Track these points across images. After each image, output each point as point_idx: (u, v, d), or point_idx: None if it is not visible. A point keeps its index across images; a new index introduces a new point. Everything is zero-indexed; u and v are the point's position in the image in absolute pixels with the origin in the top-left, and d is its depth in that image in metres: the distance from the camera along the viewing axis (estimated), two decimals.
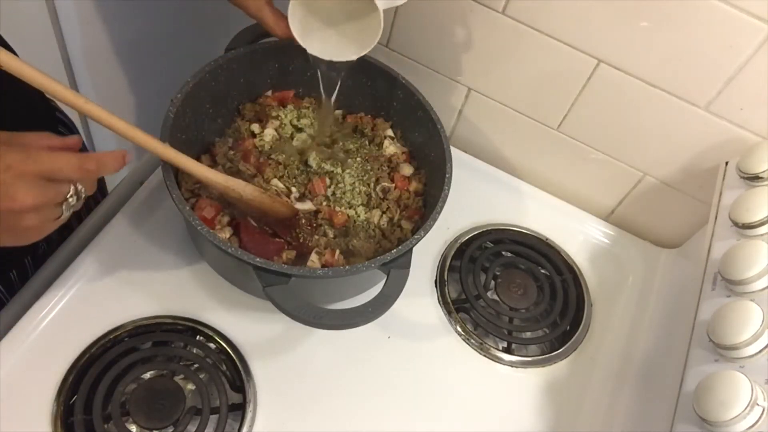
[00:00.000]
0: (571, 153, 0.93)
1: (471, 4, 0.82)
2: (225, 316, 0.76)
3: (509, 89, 0.91)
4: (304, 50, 0.71)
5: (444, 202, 0.72)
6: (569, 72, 0.83)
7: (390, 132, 0.85)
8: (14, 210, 0.50)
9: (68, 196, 0.54)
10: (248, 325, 0.76)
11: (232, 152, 0.79)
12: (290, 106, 0.84)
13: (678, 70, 0.76)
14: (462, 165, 0.78)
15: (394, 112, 0.85)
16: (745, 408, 0.54)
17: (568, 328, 0.87)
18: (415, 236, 0.69)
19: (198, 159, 0.76)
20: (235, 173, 0.76)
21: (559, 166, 0.97)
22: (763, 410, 0.55)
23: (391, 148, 0.84)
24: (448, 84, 0.94)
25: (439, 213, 0.71)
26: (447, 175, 0.74)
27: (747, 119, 0.77)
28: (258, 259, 0.64)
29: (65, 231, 0.81)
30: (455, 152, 0.78)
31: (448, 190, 0.73)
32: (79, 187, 0.56)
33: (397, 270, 0.68)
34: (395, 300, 0.66)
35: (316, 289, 0.76)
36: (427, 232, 0.69)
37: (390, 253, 0.67)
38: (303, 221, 0.74)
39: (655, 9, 0.72)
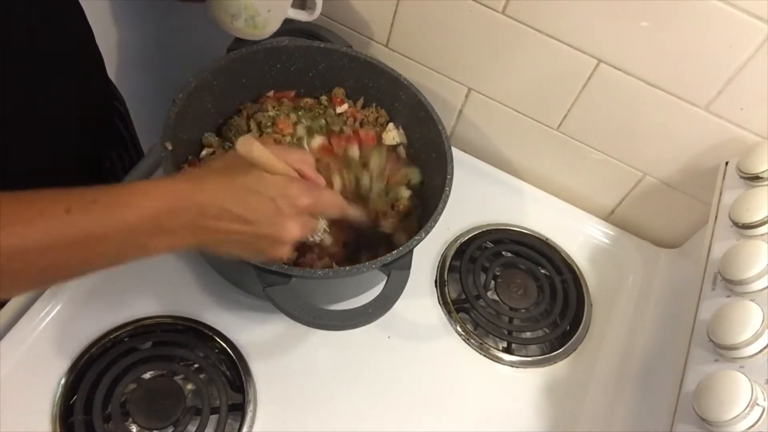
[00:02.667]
0: (571, 153, 0.93)
1: (471, 4, 0.82)
2: (225, 316, 0.76)
3: (509, 89, 0.91)
4: (306, 52, 0.72)
5: (445, 203, 0.72)
6: (569, 72, 0.83)
7: (391, 125, 0.86)
8: (278, 240, 0.53)
9: (319, 231, 0.60)
10: (248, 326, 0.76)
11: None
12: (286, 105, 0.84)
13: (678, 70, 0.76)
14: (462, 165, 0.78)
15: (395, 113, 0.85)
16: (745, 408, 0.54)
17: (568, 328, 0.87)
18: (416, 237, 0.69)
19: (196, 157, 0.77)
20: None
21: (559, 166, 0.97)
22: (763, 410, 0.55)
23: (392, 132, 0.84)
24: (448, 84, 0.94)
25: (440, 214, 0.71)
26: (448, 176, 0.74)
27: (747, 119, 0.77)
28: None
29: None
30: (455, 152, 0.78)
31: (449, 191, 0.73)
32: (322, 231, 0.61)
33: (398, 271, 0.68)
34: (396, 301, 0.66)
35: (316, 290, 0.75)
36: (428, 233, 0.69)
37: (391, 254, 0.67)
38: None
39: (655, 9, 0.72)
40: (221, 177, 0.52)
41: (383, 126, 0.85)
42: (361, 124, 0.85)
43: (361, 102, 0.86)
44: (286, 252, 0.56)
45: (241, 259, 0.57)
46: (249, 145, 0.52)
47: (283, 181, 0.54)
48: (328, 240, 0.63)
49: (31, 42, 0.62)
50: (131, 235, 0.48)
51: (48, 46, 0.65)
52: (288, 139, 0.80)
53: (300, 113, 0.82)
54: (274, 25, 0.80)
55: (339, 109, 0.84)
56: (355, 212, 0.68)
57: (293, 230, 0.54)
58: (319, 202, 0.56)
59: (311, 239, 0.61)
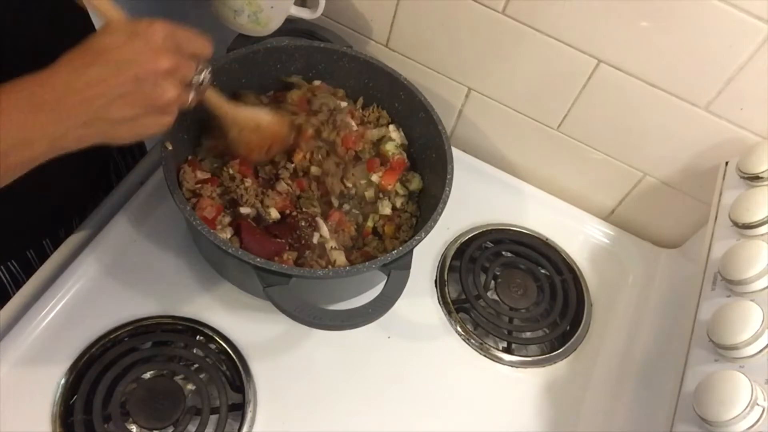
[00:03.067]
0: (571, 153, 0.93)
1: (471, 4, 0.82)
2: (225, 316, 0.76)
3: (509, 89, 0.91)
4: (306, 52, 0.72)
5: (445, 203, 0.72)
6: (569, 72, 0.83)
7: (393, 127, 0.85)
8: (159, 71, 0.50)
9: (197, 71, 0.55)
10: (248, 326, 0.76)
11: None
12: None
13: (678, 70, 0.76)
14: (462, 165, 0.78)
15: (395, 113, 0.86)
16: (745, 408, 0.54)
17: (568, 328, 0.87)
18: (416, 237, 0.69)
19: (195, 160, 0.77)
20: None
21: (559, 166, 0.97)
22: (763, 410, 0.55)
23: (394, 134, 0.84)
24: (448, 84, 0.94)
25: (440, 214, 0.71)
26: (448, 176, 0.74)
27: (747, 119, 0.77)
28: (258, 260, 0.64)
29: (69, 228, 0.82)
30: (455, 152, 0.78)
31: (449, 191, 0.73)
32: (202, 68, 0.56)
33: (398, 271, 0.68)
34: (396, 301, 0.66)
35: (316, 290, 0.76)
36: (428, 233, 0.69)
37: (391, 254, 0.67)
38: (303, 223, 0.74)
39: (655, 9, 0.72)
40: (74, 96, 0.49)
41: (384, 127, 0.85)
42: (362, 123, 0.85)
43: (360, 102, 0.86)
44: (171, 88, 0.51)
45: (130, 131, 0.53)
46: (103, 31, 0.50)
47: (127, 43, 0.50)
48: (208, 79, 0.58)
49: (36, 41, 0.62)
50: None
51: (53, 45, 0.65)
52: None
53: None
54: (277, 22, 0.80)
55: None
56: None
57: (163, 60, 0.50)
58: (176, 35, 0.53)
59: (197, 81, 0.56)
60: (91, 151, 0.52)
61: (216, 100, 0.66)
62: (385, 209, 0.80)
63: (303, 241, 0.73)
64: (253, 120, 0.71)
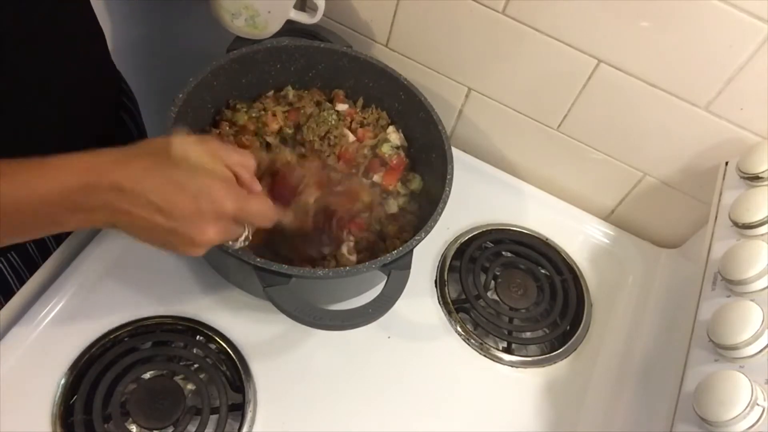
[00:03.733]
0: (571, 153, 0.93)
1: (471, 4, 0.82)
2: (225, 316, 0.76)
3: (509, 89, 0.91)
4: (306, 52, 0.72)
5: (445, 203, 0.72)
6: (569, 72, 0.83)
7: (392, 128, 0.85)
8: (192, 241, 0.51)
9: (241, 239, 0.57)
10: (248, 325, 0.76)
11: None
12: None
13: (678, 70, 0.76)
14: (462, 165, 0.78)
15: (395, 113, 0.86)
16: (745, 408, 0.54)
17: (568, 328, 0.87)
18: (416, 237, 0.69)
19: None
20: None
21: (559, 166, 0.97)
22: (763, 410, 0.55)
23: (392, 135, 0.84)
24: (448, 84, 0.94)
25: (440, 214, 0.71)
26: (448, 177, 0.74)
27: (747, 119, 0.77)
28: (258, 260, 0.64)
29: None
30: (455, 152, 0.78)
31: (449, 191, 0.73)
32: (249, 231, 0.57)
33: (398, 271, 0.68)
34: (396, 301, 0.66)
35: (316, 290, 0.76)
36: (428, 233, 0.69)
37: (391, 254, 0.67)
38: (334, 223, 0.71)
39: (655, 9, 0.72)
40: (149, 161, 0.50)
41: (383, 128, 0.85)
42: (361, 125, 0.85)
43: (360, 102, 0.86)
44: (198, 252, 0.53)
45: (152, 245, 0.54)
46: (185, 147, 0.51)
47: (211, 181, 0.51)
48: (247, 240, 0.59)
49: (40, 38, 0.62)
50: (43, 209, 0.47)
51: (58, 42, 0.65)
52: (270, 138, 0.80)
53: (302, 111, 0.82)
54: (275, 26, 0.80)
55: (339, 107, 0.84)
56: (288, 220, 0.64)
57: (210, 234, 0.51)
58: (245, 210, 0.53)
59: (230, 244, 0.58)
60: (91, 144, 0.52)
61: None
62: (392, 207, 0.80)
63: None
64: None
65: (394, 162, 0.82)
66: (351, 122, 0.85)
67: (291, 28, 0.85)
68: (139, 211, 0.49)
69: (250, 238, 0.58)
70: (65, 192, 0.47)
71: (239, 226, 0.56)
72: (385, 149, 0.83)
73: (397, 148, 0.84)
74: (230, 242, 0.57)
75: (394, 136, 0.84)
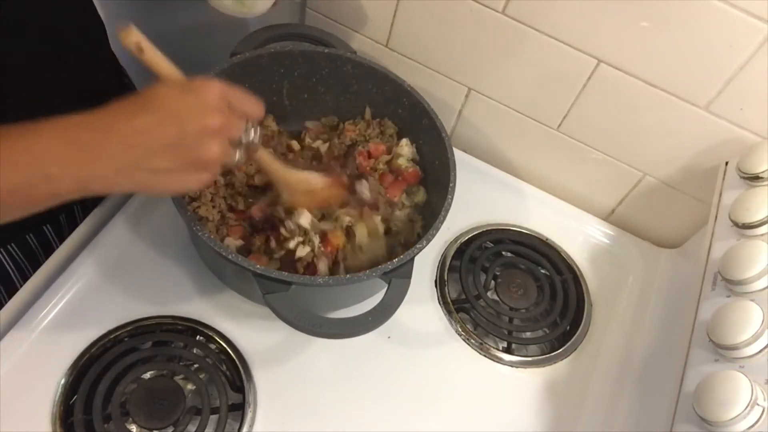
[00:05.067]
0: (571, 153, 0.93)
1: (471, 4, 0.82)
2: (225, 317, 0.76)
3: (509, 89, 0.91)
4: (310, 57, 0.70)
5: (447, 210, 0.72)
6: (569, 72, 0.83)
7: (405, 141, 0.85)
8: (207, 129, 0.49)
9: (245, 131, 0.55)
10: (248, 326, 0.76)
11: None
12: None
13: (678, 70, 0.76)
14: (462, 165, 0.78)
15: (398, 119, 0.85)
16: (745, 408, 0.54)
17: (568, 328, 0.87)
18: (417, 245, 0.68)
19: None
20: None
21: (559, 166, 0.97)
22: (763, 410, 0.55)
23: (405, 149, 0.84)
24: (448, 84, 0.94)
25: (442, 222, 0.71)
26: (451, 184, 0.74)
27: (747, 119, 0.77)
28: (258, 266, 0.63)
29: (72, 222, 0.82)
30: (455, 152, 0.78)
31: (452, 198, 0.73)
32: (251, 129, 0.56)
33: (399, 279, 0.67)
34: (396, 309, 0.66)
35: (316, 297, 0.75)
36: (429, 242, 0.69)
37: (391, 262, 0.67)
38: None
39: (655, 9, 0.72)
40: (116, 139, 0.48)
41: (391, 138, 0.85)
42: (366, 139, 0.85)
43: (369, 113, 0.86)
44: (215, 147, 0.51)
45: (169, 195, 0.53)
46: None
47: (179, 102, 0.49)
48: (257, 139, 0.57)
49: (44, 36, 0.62)
50: (10, 199, 0.46)
51: (61, 40, 0.65)
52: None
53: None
54: (264, 4, 0.76)
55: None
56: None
57: (215, 119, 0.50)
58: (231, 98, 0.52)
59: (246, 140, 0.56)
60: None
61: (268, 161, 0.66)
62: (398, 220, 0.80)
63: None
64: (305, 183, 0.72)
65: (408, 173, 0.82)
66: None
67: (295, 32, 0.85)
68: (122, 181, 0.49)
69: (258, 137, 0.57)
70: (27, 186, 0.46)
71: (237, 120, 0.54)
72: (402, 162, 0.83)
73: (412, 161, 0.84)
74: (244, 138, 0.55)
75: (407, 149, 0.84)
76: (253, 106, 0.55)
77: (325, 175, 0.75)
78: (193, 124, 0.49)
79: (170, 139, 0.48)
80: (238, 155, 0.56)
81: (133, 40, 0.52)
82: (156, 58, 0.54)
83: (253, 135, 0.57)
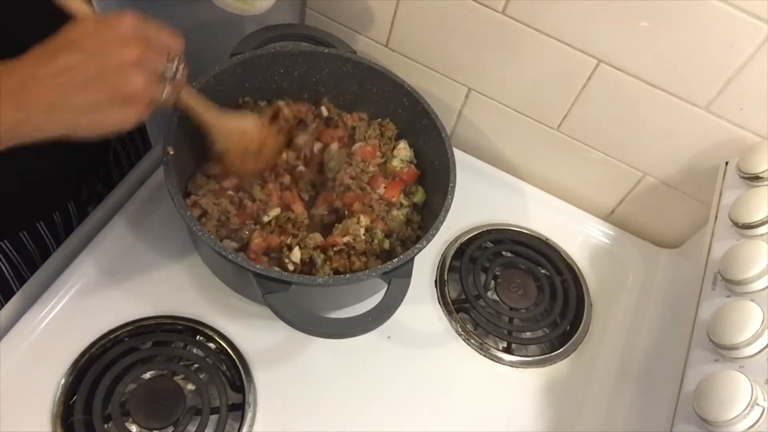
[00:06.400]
0: (571, 153, 0.93)
1: (471, 4, 0.82)
2: (225, 317, 0.76)
3: (509, 89, 0.91)
4: (310, 57, 0.69)
5: (447, 211, 0.72)
6: (569, 72, 0.83)
7: (403, 144, 0.85)
8: (126, 60, 0.49)
9: (168, 63, 0.54)
10: (249, 328, 0.76)
11: None
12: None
13: (678, 70, 0.76)
14: (462, 165, 0.78)
15: (398, 119, 0.85)
16: (745, 408, 0.54)
17: (568, 328, 0.87)
18: (417, 246, 0.68)
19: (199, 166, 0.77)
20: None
21: (559, 166, 0.97)
22: (763, 410, 0.55)
23: (403, 151, 0.84)
24: (448, 84, 0.94)
25: (441, 222, 0.71)
26: (451, 185, 0.74)
27: (747, 119, 0.77)
28: (258, 266, 0.63)
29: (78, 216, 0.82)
30: (455, 152, 0.78)
31: (452, 199, 0.73)
32: (174, 60, 0.55)
33: (399, 279, 0.67)
34: (396, 309, 0.66)
35: (316, 297, 0.75)
36: (429, 242, 0.69)
37: (391, 262, 0.67)
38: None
39: (655, 9, 0.72)
40: (37, 82, 0.47)
41: (390, 139, 0.85)
42: (365, 138, 0.85)
43: (366, 115, 0.86)
44: (138, 79, 0.50)
45: (100, 132, 0.51)
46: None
47: (96, 36, 0.49)
48: (180, 74, 0.56)
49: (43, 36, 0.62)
50: None
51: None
52: None
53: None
54: (265, 2, 0.76)
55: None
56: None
57: (131, 52, 0.49)
58: (154, 31, 0.52)
59: (169, 74, 0.54)
60: (91, 140, 0.52)
61: (197, 105, 0.65)
62: (395, 220, 0.80)
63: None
64: (237, 127, 0.70)
65: (405, 173, 0.83)
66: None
67: (295, 33, 0.85)
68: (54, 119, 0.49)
69: (183, 70, 0.56)
70: None
71: (157, 52, 0.53)
72: (396, 163, 0.83)
73: (408, 161, 0.84)
74: (168, 71, 0.54)
75: (404, 152, 0.84)
76: (171, 37, 0.55)
77: (257, 118, 0.72)
78: (111, 56, 0.49)
79: (90, 75, 0.48)
80: (165, 92, 0.55)
81: None
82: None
83: (178, 68, 0.55)
